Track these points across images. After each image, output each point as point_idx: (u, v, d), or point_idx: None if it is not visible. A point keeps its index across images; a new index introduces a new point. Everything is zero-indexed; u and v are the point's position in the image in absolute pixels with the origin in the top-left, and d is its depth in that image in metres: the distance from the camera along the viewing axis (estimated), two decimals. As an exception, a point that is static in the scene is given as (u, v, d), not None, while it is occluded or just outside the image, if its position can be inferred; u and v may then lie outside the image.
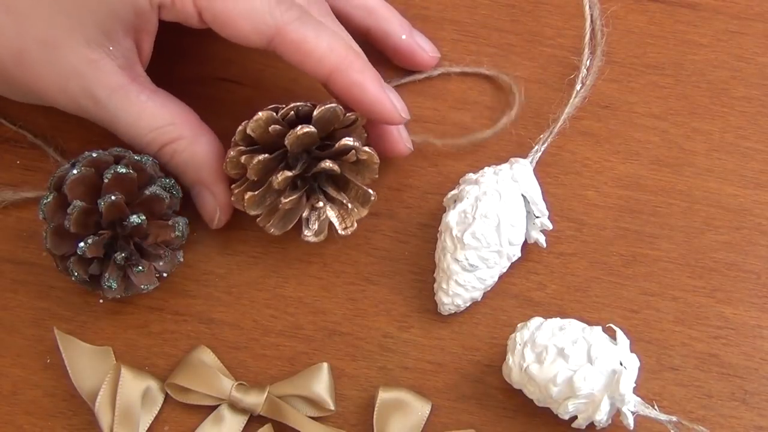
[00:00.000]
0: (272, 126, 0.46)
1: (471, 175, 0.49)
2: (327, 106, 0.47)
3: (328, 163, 0.47)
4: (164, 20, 0.47)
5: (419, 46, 0.53)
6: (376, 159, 0.48)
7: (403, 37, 0.52)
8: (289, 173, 0.47)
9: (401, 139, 0.50)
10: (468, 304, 0.48)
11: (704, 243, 0.50)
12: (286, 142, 0.46)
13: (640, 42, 0.55)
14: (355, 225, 0.49)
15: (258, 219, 0.48)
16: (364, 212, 0.49)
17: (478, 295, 0.48)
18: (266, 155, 0.47)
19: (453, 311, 0.48)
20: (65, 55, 0.45)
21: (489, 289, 0.48)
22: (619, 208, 0.51)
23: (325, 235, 0.48)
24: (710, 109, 0.53)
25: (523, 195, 0.48)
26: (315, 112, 0.46)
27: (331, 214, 0.48)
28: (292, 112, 0.47)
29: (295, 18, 0.46)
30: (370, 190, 0.48)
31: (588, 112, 0.53)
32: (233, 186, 0.48)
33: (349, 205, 0.48)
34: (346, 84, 0.47)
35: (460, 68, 0.54)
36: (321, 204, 0.48)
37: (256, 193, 0.47)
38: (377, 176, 0.49)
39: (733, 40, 0.55)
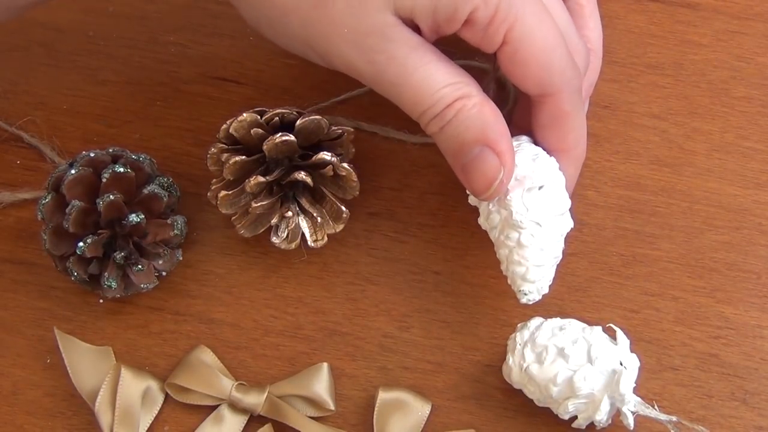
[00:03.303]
0: (254, 129, 0.46)
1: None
2: (311, 117, 0.46)
3: (301, 175, 0.47)
4: (458, 35, 0.44)
5: None
6: (355, 177, 0.48)
7: None
8: (262, 179, 0.47)
9: None
10: (550, 284, 0.46)
11: (704, 243, 0.50)
12: (264, 148, 0.46)
13: (640, 42, 0.55)
14: (326, 239, 0.48)
15: (232, 218, 0.48)
16: (339, 227, 0.48)
17: (552, 273, 0.46)
18: (243, 157, 0.47)
19: (537, 299, 0.46)
20: (369, 13, 0.44)
21: (559, 261, 0.46)
22: (619, 208, 0.51)
23: (297, 243, 0.48)
24: (710, 109, 0.53)
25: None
26: (298, 122, 0.46)
27: (304, 224, 0.48)
28: (277, 117, 0.47)
29: (574, 90, 0.45)
30: (344, 208, 0.48)
31: (588, 112, 0.52)
32: (212, 181, 0.48)
33: (319, 219, 0.48)
34: (563, 163, 0.46)
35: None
36: (290, 214, 0.48)
37: (230, 192, 0.47)
38: (358, 193, 0.48)
39: (733, 40, 0.55)
